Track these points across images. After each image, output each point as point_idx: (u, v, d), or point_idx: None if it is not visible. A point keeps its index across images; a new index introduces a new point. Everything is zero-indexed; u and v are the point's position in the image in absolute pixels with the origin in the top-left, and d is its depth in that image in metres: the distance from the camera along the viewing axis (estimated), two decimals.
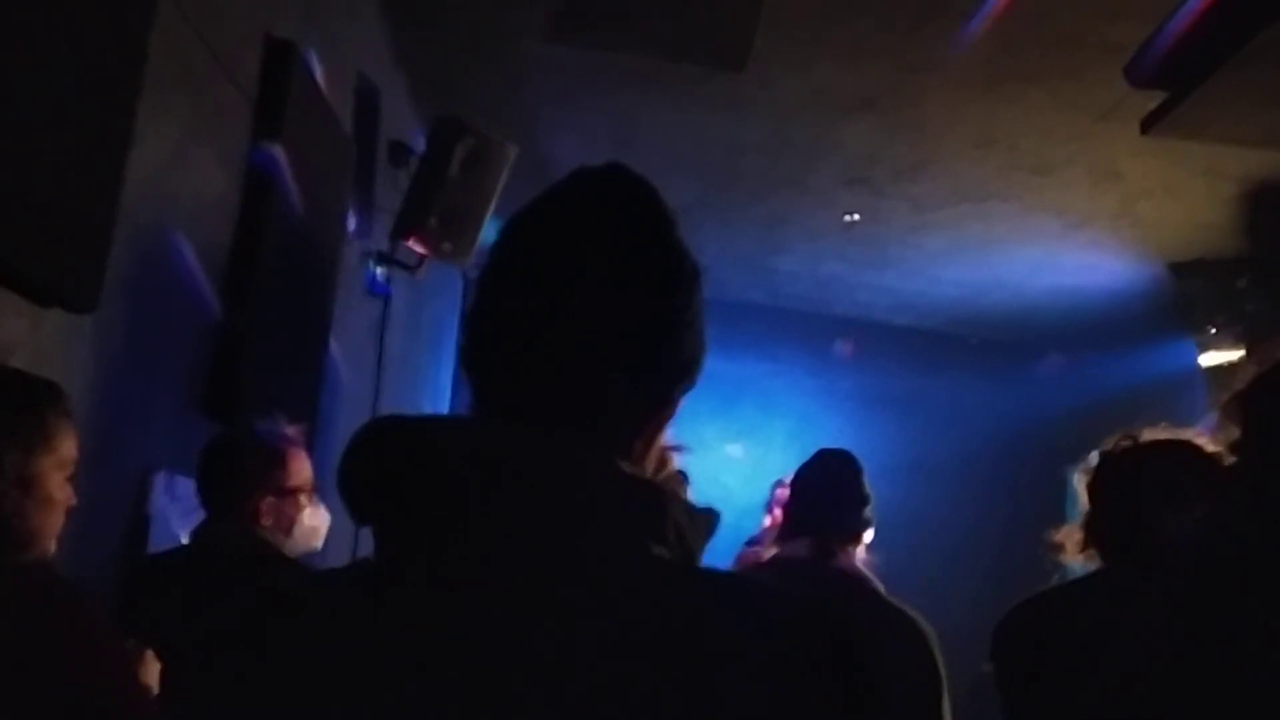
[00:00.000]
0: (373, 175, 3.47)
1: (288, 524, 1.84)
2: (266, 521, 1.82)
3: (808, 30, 3.16)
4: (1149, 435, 1.56)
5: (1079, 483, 1.61)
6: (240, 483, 1.82)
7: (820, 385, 5.98)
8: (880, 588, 1.99)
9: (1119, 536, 1.50)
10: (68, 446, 1.29)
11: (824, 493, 2.03)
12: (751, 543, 3.74)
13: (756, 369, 5.79)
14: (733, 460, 5.51)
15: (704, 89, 3.55)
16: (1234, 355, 4.42)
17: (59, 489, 1.27)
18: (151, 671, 1.38)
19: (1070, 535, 1.59)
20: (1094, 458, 1.60)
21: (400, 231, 3.28)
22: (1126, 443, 1.56)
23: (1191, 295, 4.57)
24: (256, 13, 2.42)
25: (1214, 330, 4.51)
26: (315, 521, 1.90)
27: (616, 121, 3.85)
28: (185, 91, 2.07)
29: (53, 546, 1.29)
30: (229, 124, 2.30)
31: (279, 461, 1.85)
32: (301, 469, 1.88)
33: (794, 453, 2.40)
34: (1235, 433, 1.20)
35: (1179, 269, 4.57)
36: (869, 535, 2.06)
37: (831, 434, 5.58)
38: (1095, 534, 1.54)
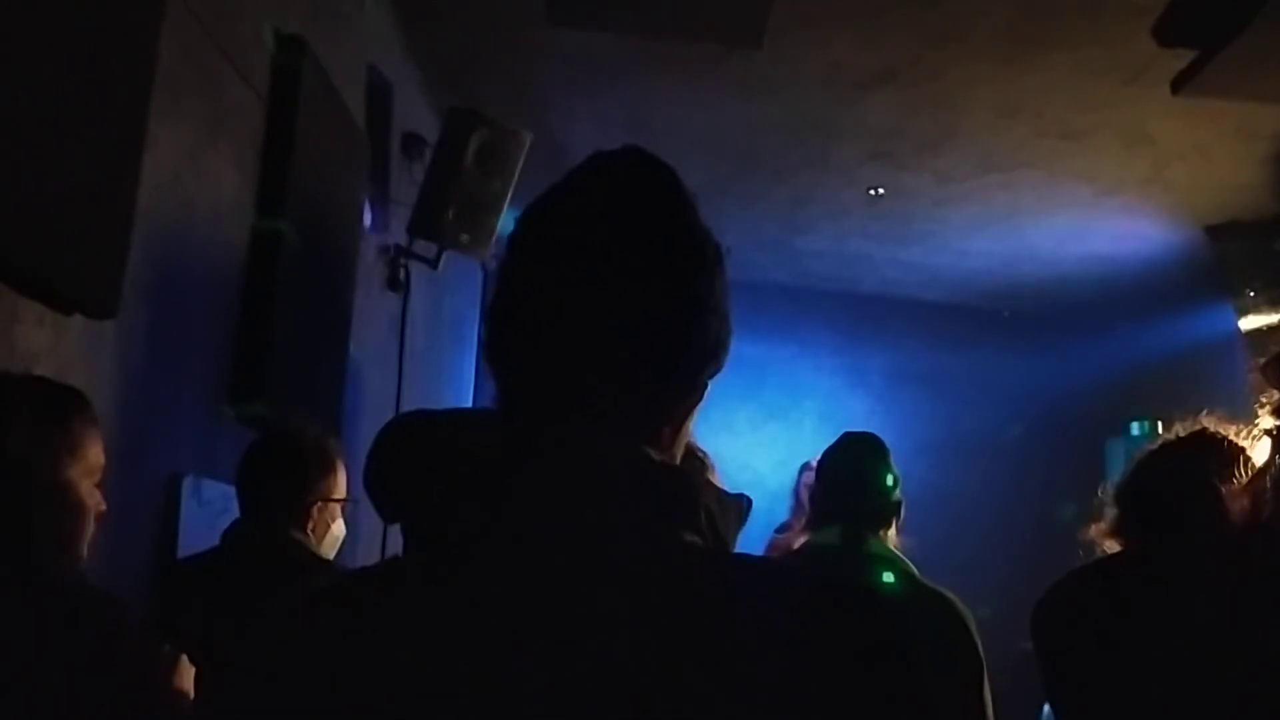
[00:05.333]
0: (387, 169, 3.46)
1: (323, 531, 1.86)
2: (309, 526, 1.83)
3: (824, 4, 3.10)
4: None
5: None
6: (298, 484, 1.83)
7: (849, 365, 5.93)
8: (914, 570, 1.96)
9: (1153, 526, 1.47)
10: (95, 453, 1.29)
11: (851, 478, 2.00)
12: (781, 529, 3.72)
13: (783, 350, 5.75)
14: (762, 444, 5.48)
15: (720, 69, 3.51)
16: (1274, 318, 4.33)
17: (88, 496, 1.27)
18: (187, 676, 1.38)
19: (1101, 533, 1.57)
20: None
21: (417, 225, 3.27)
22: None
23: (1228, 258, 4.48)
24: (266, 10, 2.41)
25: (1252, 293, 4.42)
26: (340, 533, 1.93)
27: (632, 106, 3.82)
28: (197, 92, 2.06)
29: (84, 553, 1.29)
30: (242, 123, 2.30)
31: (333, 469, 1.88)
32: (344, 480, 1.90)
33: (824, 434, 2.37)
34: (1276, 395, 1.17)
35: (1214, 232, 4.47)
36: (900, 518, 2.03)
37: (861, 414, 5.54)
38: (1126, 530, 1.51)
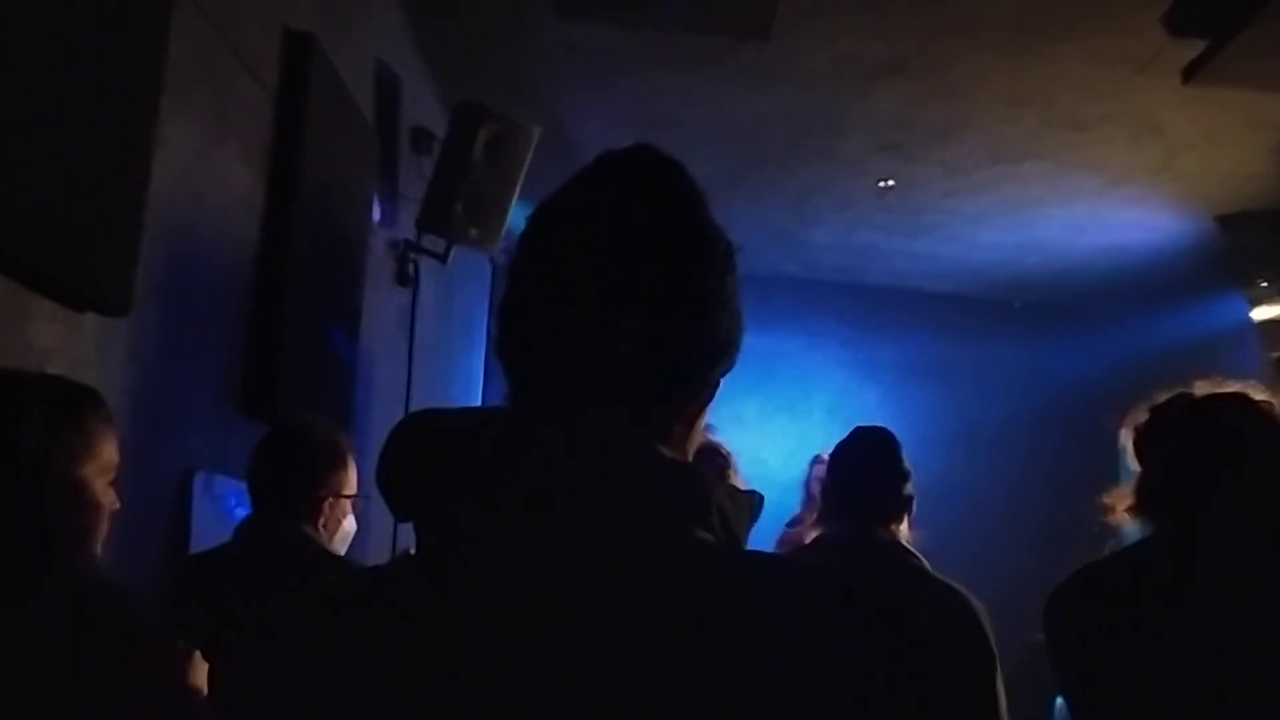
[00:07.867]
0: (396, 164, 3.46)
1: (334, 527, 1.87)
2: (321, 521, 1.84)
3: None
4: (1201, 389, 1.51)
5: (1125, 438, 1.55)
6: (309, 479, 1.84)
7: (858, 357, 5.92)
8: (926, 564, 1.96)
9: (1175, 502, 1.44)
10: (109, 451, 1.29)
11: (862, 472, 2.00)
12: (793, 523, 3.71)
13: (792, 343, 5.74)
14: (771, 436, 5.47)
15: (728, 62, 3.50)
16: None
17: (103, 493, 1.28)
18: (200, 672, 1.38)
19: (1121, 499, 1.54)
20: (1142, 413, 1.54)
21: (426, 219, 3.27)
22: (1182, 399, 1.51)
23: (1239, 248, 4.45)
24: (275, 6, 2.41)
25: (1264, 283, 4.39)
26: (351, 528, 1.93)
27: (639, 99, 3.81)
28: (207, 89, 2.07)
29: (99, 550, 1.30)
30: (251, 119, 2.30)
31: (345, 464, 1.89)
32: (355, 476, 1.91)
33: (834, 427, 2.37)
34: None
35: (1225, 222, 4.45)
36: (911, 512, 2.02)
37: (871, 406, 5.53)
38: (1149, 499, 1.48)
